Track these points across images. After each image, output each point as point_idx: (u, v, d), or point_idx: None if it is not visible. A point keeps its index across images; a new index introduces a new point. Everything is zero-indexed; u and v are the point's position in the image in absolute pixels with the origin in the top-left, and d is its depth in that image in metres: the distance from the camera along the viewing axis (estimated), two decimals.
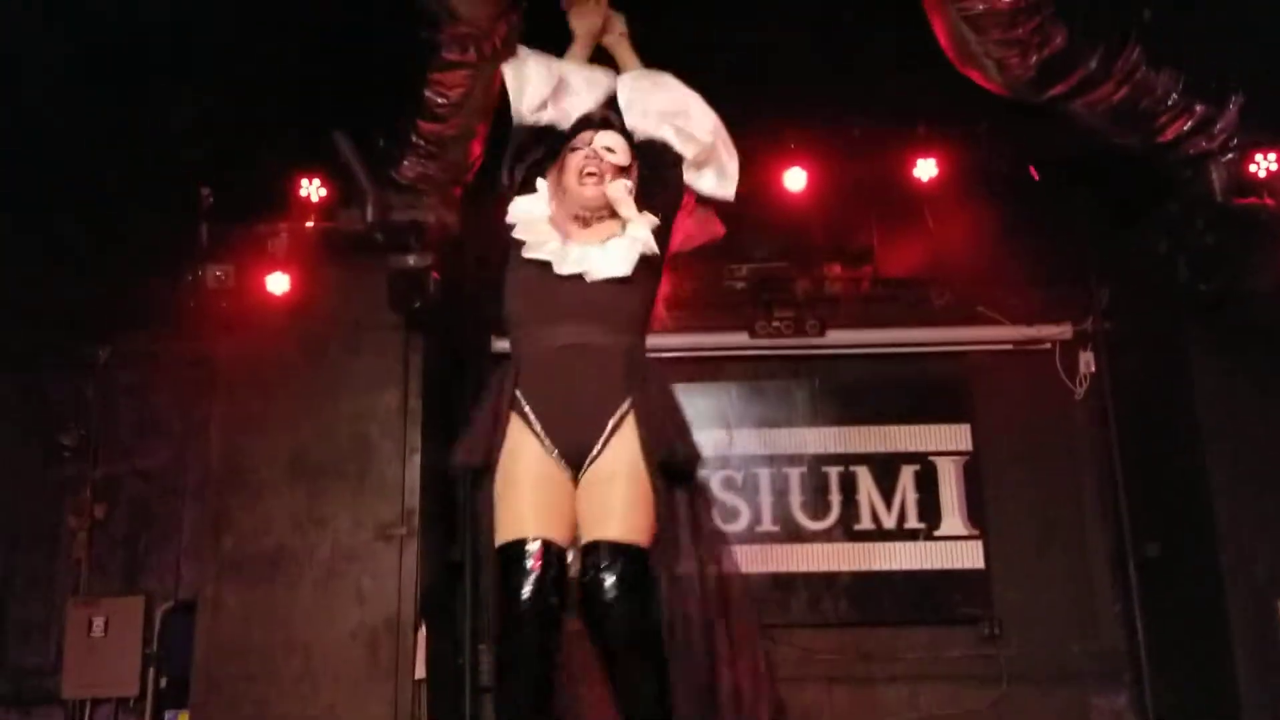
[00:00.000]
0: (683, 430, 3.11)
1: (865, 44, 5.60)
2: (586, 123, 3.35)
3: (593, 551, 2.93)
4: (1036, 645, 6.58)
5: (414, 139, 5.76)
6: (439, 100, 5.51)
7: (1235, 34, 5.41)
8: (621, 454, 3.00)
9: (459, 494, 6.48)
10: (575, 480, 3.03)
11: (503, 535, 2.98)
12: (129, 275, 6.60)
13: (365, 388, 6.36)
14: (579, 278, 3.09)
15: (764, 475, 6.86)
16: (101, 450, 6.66)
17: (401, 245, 6.08)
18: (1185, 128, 5.54)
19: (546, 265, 3.12)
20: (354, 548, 6.17)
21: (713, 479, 6.78)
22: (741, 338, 6.91)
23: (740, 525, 6.75)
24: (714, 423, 6.73)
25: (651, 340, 3.30)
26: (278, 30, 5.57)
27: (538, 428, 3.03)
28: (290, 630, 6.04)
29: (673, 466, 3.05)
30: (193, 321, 6.57)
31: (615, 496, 2.97)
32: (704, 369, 6.89)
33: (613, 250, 3.11)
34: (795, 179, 6.45)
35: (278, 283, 6.37)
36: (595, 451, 3.00)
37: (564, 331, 3.08)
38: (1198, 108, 5.53)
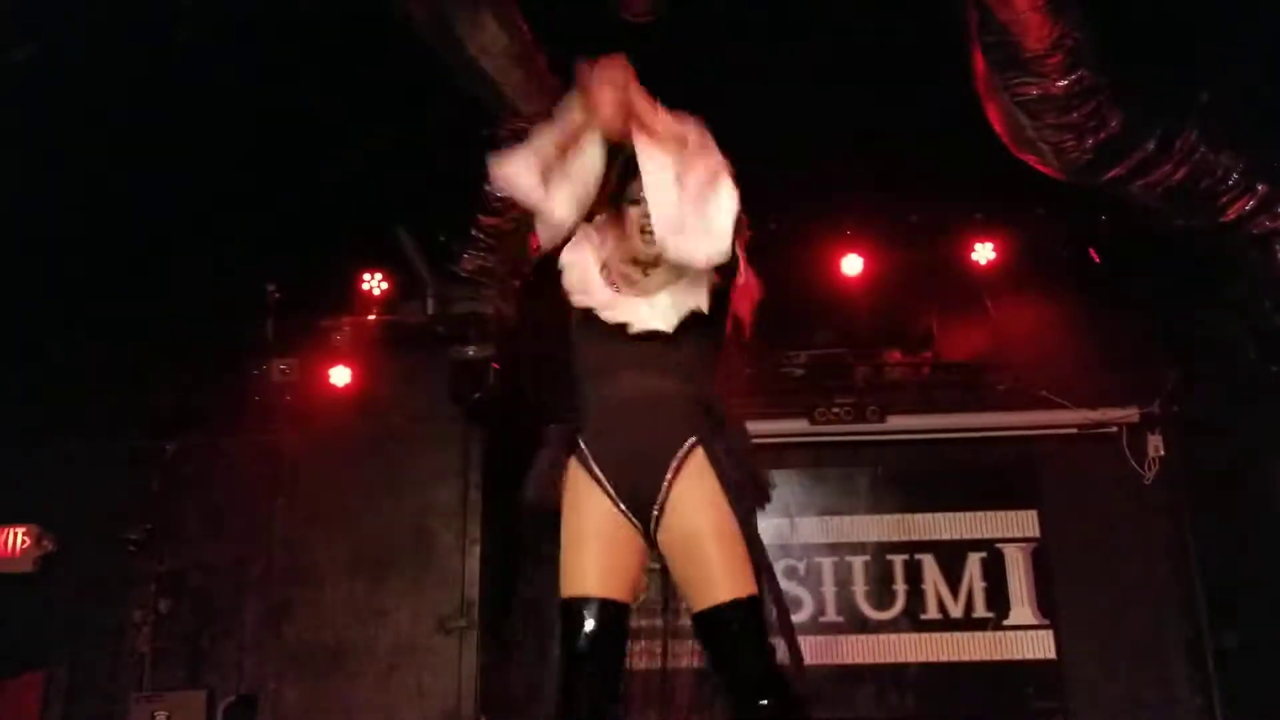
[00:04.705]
0: (754, 467, 3.06)
1: (921, 130, 5.62)
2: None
3: (710, 619, 2.86)
4: None
5: (473, 233, 5.85)
6: (498, 194, 5.61)
7: None
8: (696, 502, 2.91)
9: (519, 585, 6.45)
10: (646, 533, 2.94)
11: (565, 589, 2.91)
12: (195, 370, 6.72)
13: (426, 479, 6.40)
14: (627, 329, 2.96)
15: (827, 564, 6.76)
16: (166, 544, 6.70)
17: (461, 337, 6.15)
18: (1248, 207, 5.47)
19: (600, 320, 3.00)
20: (414, 641, 6.16)
21: (775, 568, 6.68)
22: (801, 424, 6.84)
23: (804, 615, 6.63)
24: (775, 511, 6.60)
25: None
26: (341, 129, 5.71)
27: (599, 474, 2.94)
28: None
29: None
30: (257, 415, 6.67)
31: (710, 558, 2.89)
32: (764, 456, 6.72)
33: (659, 304, 2.97)
34: (852, 265, 6.46)
35: (340, 375, 6.49)
36: (661, 496, 2.89)
37: (625, 382, 2.98)
38: (1260, 187, 5.46)
